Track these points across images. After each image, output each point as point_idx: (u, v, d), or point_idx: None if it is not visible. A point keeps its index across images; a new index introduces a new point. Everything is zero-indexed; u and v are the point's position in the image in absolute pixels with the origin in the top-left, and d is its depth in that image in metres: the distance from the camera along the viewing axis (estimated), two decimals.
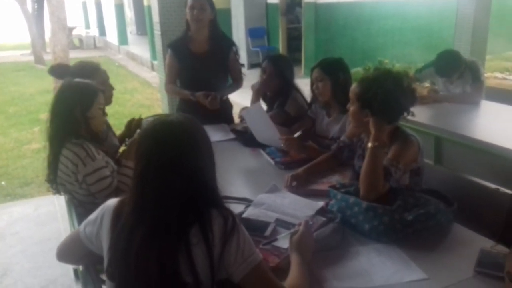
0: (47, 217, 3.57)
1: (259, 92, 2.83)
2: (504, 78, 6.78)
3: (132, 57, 12.74)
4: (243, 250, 1.17)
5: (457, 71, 3.28)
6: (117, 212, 1.22)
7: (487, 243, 1.49)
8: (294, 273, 1.29)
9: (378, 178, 1.67)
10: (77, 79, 1.99)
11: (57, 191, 1.97)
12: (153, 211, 1.14)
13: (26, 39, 13.72)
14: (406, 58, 8.15)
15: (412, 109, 3.02)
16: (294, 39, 9.43)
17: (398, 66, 7.93)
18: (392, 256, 1.46)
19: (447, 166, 2.69)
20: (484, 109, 3.15)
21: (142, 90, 8.92)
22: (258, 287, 1.19)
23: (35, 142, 5.81)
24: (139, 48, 12.96)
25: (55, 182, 1.92)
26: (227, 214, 1.19)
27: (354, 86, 1.83)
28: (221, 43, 2.89)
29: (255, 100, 2.84)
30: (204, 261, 1.14)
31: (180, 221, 1.14)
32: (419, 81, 3.65)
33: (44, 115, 6.99)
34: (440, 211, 1.61)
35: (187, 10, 2.76)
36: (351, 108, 1.86)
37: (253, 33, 9.39)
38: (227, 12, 7.35)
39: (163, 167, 1.15)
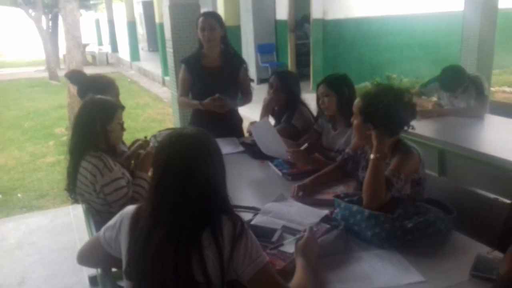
0: (62, 227, 3.68)
1: (269, 107, 2.94)
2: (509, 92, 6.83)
3: (144, 73, 12.99)
4: (251, 253, 1.26)
5: (461, 85, 3.36)
6: (135, 218, 1.32)
7: (484, 249, 1.56)
8: (299, 275, 1.38)
9: (380, 188, 1.76)
10: (99, 96, 2.13)
11: (75, 201, 2.09)
12: (169, 216, 1.24)
13: (41, 55, 14.06)
14: (413, 73, 8.22)
15: (416, 122, 3.12)
16: (302, 55, 9.58)
17: (406, 80, 8.01)
18: (393, 261, 1.54)
19: (450, 177, 2.76)
20: (487, 123, 3.22)
21: (153, 105, 9.10)
22: (264, 287, 1.27)
23: (50, 155, 5.98)
24: (150, 64, 13.22)
25: (74, 192, 2.03)
26: (236, 219, 1.29)
27: (357, 101, 1.93)
28: (232, 59, 3.03)
29: (264, 114, 2.95)
30: (214, 262, 1.23)
31: (193, 225, 1.24)
32: (425, 96, 3.74)
33: (59, 130, 7.24)
34: (439, 219, 1.69)
35: (198, 31, 2.91)
36: (355, 121, 1.96)
37: (262, 49, 9.56)
38: (237, 29, 7.51)
39: (179, 176, 1.25)
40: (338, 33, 8.14)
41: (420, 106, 3.51)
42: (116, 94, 2.47)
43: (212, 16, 2.95)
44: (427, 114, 3.37)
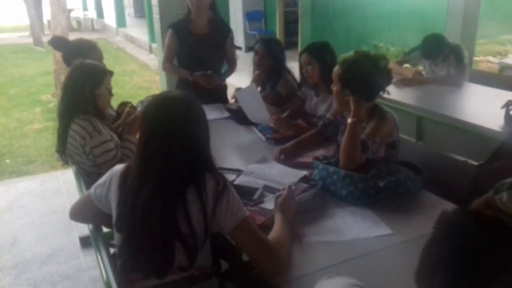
0: (52, 192, 3.76)
1: (258, 81, 3.02)
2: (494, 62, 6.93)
3: (131, 39, 12.80)
4: (232, 207, 1.36)
5: (442, 54, 3.45)
6: (124, 175, 1.41)
7: (451, 207, 1.69)
8: (276, 228, 1.49)
9: (356, 150, 1.86)
10: (88, 61, 2.18)
11: (65, 162, 2.16)
12: (156, 174, 1.33)
13: (25, 21, 13.75)
14: (401, 42, 8.25)
15: (397, 90, 3.22)
16: (291, 22, 9.52)
17: (392, 49, 8.05)
18: (364, 216, 1.66)
19: (427, 142, 2.88)
20: (465, 91, 3.33)
21: (140, 72, 9.05)
22: (244, 238, 1.38)
23: (37, 122, 5.98)
24: (137, 30, 13.01)
25: (64, 153, 2.11)
26: (219, 177, 1.38)
27: (336, 68, 2.01)
28: (220, 27, 3.07)
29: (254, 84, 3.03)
30: (198, 215, 1.33)
31: (179, 182, 1.33)
32: (408, 64, 3.82)
33: (45, 97, 7.20)
34: (410, 179, 1.81)
35: None
36: (334, 88, 2.04)
37: (250, 17, 9.48)
38: None
39: (165, 137, 1.34)
40: (326, 1, 8.10)
41: (401, 74, 3.62)
42: (99, 57, 2.52)
43: None
44: (408, 82, 3.46)
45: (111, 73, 2.21)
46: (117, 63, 9.63)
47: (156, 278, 1.34)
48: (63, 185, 3.85)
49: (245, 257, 1.48)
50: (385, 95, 1.97)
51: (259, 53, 2.89)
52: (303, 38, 8.40)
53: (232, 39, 3.11)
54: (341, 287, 0.89)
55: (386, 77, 1.93)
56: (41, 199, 3.66)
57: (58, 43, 2.58)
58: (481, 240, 0.73)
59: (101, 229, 1.64)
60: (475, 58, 7.88)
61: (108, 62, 2.67)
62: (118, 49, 11.85)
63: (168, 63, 3.12)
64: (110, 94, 2.19)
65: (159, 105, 1.37)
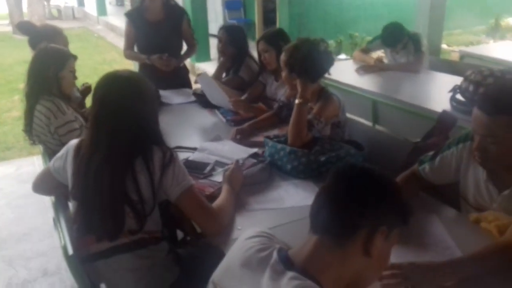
0: (28, 176, 3.85)
1: (222, 67, 3.16)
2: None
3: (111, 28, 12.76)
4: (178, 176, 1.51)
5: (400, 41, 3.62)
6: (78, 147, 1.54)
7: None
8: (221, 197, 1.65)
9: (303, 129, 2.02)
10: (52, 45, 2.29)
11: (33, 142, 2.28)
12: (105, 145, 1.47)
13: (3, 9, 13.58)
14: (377, 31, 8.35)
15: (359, 76, 3.39)
16: (270, 11, 9.60)
17: (368, 39, 8.20)
18: (306, 188, 1.83)
19: (382, 125, 3.07)
20: (422, 77, 3.51)
21: (120, 61, 9.05)
22: (189, 204, 1.53)
23: (15, 110, 6.02)
24: (118, 19, 12.93)
25: (30, 133, 2.23)
26: (166, 149, 1.52)
27: (282, 55, 2.15)
28: (174, 11, 3.19)
29: (218, 72, 3.17)
30: (146, 184, 1.47)
31: (127, 153, 1.47)
32: (371, 51, 3.99)
33: (23, 85, 7.19)
34: (350, 154, 1.97)
35: None
36: (283, 73, 2.19)
37: (229, 6, 9.55)
38: None
39: (113, 111, 1.47)
40: None
41: (364, 61, 3.79)
42: (65, 43, 2.63)
43: None
44: (369, 69, 3.63)
45: (74, 57, 2.32)
46: (97, 51, 9.64)
47: (108, 241, 1.48)
48: (38, 169, 3.86)
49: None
50: (327, 75, 2.12)
51: (222, 40, 3.03)
52: (281, 27, 8.50)
53: (188, 21, 3.24)
54: (251, 233, 1.05)
55: (327, 59, 2.08)
56: (17, 182, 3.77)
57: (25, 27, 2.69)
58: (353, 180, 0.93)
59: (61, 200, 1.77)
60: (448, 48, 8.10)
61: (88, 51, 2.82)
62: (98, 38, 11.82)
63: (128, 50, 3.27)
64: (74, 77, 2.31)
65: (108, 82, 1.50)
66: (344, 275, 0.92)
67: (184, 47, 3.39)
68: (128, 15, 3.24)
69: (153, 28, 3.11)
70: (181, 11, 3.24)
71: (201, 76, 2.70)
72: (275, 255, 0.93)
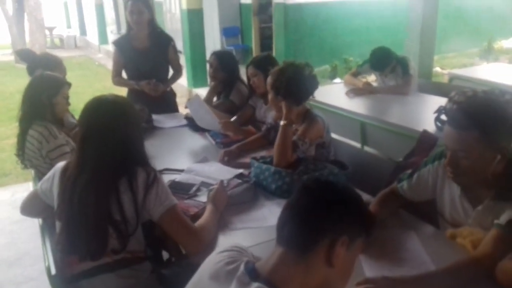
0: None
1: (214, 90, 3.24)
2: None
3: (112, 56, 12.98)
4: (161, 197, 1.55)
5: (388, 65, 3.71)
6: (65, 169, 1.59)
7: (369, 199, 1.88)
8: (204, 216, 1.68)
9: (287, 150, 2.07)
10: (47, 72, 2.38)
11: (25, 166, 2.33)
12: (91, 167, 1.52)
13: (7, 39, 13.87)
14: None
15: (349, 99, 3.46)
16: (267, 38, 9.80)
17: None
18: None
19: (371, 146, 3.12)
20: (410, 99, 3.57)
21: (120, 88, 9.19)
22: (171, 224, 1.56)
23: (13, 137, 5.98)
24: None
25: (23, 157, 2.28)
26: (150, 170, 1.56)
27: (268, 78, 2.22)
28: (160, 39, 3.29)
29: (209, 96, 3.25)
30: (130, 204, 1.51)
31: (112, 174, 1.52)
32: (361, 75, 4.08)
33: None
34: (333, 174, 2.01)
35: (127, 14, 3.17)
36: (269, 96, 2.25)
37: (227, 33, 9.76)
38: (199, 12, 7.69)
39: (99, 133, 1.53)
40: (299, 17, 8.41)
41: (354, 84, 3.87)
42: (62, 71, 2.70)
43: (140, 0, 3.16)
44: (358, 92, 3.70)
45: (69, 84, 2.40)
46: (97, 79, 9.80)
47: (91, 261, 1.51)
48: None
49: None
50: (326, 101, 2.18)
51: (213, 65, 3.12)
52: (278, 53, 8.68)
53: (174, 47, 3.33)
54: (222, 247, 1.08)
55: (311, 82, 2.15)
56: (12, 208, 3.79)
57: (25, 54, 2.78)
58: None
59: (48, 223, 1.80)
60: (442, 71, 8.22)
61: (89, 78, 2.90)
62: (99, 66, 12.03)
63: (117, 77, 3.37)
64: (67, 103, 2.38)
65: (94, 106, 1.56)
66: (309, 286, 0.95)
67: (171, 72, 3.48)
68: (116, 43, 3.36)
69: (140, 55, 3.20)
70: (167, 38, 3.33)
71: (193, 98, 2.76)
72: (242, 267, 0.97)
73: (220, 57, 3.14)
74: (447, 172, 1.47)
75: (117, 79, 3.37)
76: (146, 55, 3.21)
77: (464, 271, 1.29)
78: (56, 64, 2.72)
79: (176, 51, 3.36)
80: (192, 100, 2.79)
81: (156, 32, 3.28)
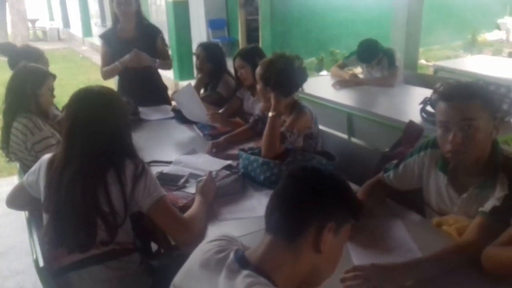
0: (6, 195, 3.83)
1: (201, 82, 3.22)
2: None
3: (97, 49, 12.77)
4: (149, 188, 1.54)
5: (375, 57, 3.73)
6: (51, 162, 1.57)
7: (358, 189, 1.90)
8: (193, 207, 1.68)
9: (275, 141, 2.08)
10: (31, 63, 2.34)
11: (10, 159, 2.30)
12: (78, 158, 1.50)
13: None
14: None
15: (335, 91, 3.47)
16: (253, 30, 9.77)
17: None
18: None
19: (358, 137, 3.14)
20: (396, 91, 3.61)
21: (104, 81, 9.12)
22: (160, 215, 1.56)
23: None
24: None
25: (7, 150, 2.25)
26: (138, 162, 1.56)
27: (257, 69, 2.22)
28: (148, 30, 3.26)
29: (196, 88, 3.24)
30: (118, 196, 1.50)
31: (99, 165, 1.50)
32: (347, 67, 4.10)
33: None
34: (321, 164, 2.02)
35: (114, 5, 3.14)
36: (257, 87, 2.25)
37: (213, 25, 9.71)
38: (184, 5, 7.63)
39: (85, 124, 1.51)
40: (285, 9, 8.40)
41: (340, 76, 3.89)
42: (45, 64, 2.66)
43: None
44: (345, 83, 3.72)
45: (53, 76, 2.37)
46: (82, 71, 9.67)
47: (79, 253, 1.50)
48: None
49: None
50: (300, 90, 2.19)
51: (200, 57, 3.10)
52: (264, 45, 8.66)
53: (162, 38, 3.31)
54: (212, 237, 1.09)
55: (301, 74, 2.15)
56: None
57: (5, 48, 2.72)
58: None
59: (35, 215, 1.78)
60: (427, 63, 8.30)
61: (73, 71, 2.85)
62: (83, 58, 11.86)
63: (105, 68, 3.31)
64: (52, 95, 2.35)
65: (80, 97, 1.54)
66: (298, 272, 0.96)
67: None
68: (103, 36, 3.33)
69: (127, 46, 3.16)
70: (154, 30, 3.31)
71: (185, 87, 2.73)
72: (231, 255, 0.97)
73: (207, 48, 3.12)
74: (448, 153, 1.46)
75: (104, 70, 3.32)
76: (132, 46, 3.17)
77: (450, 258, 1.32)
78: (38, 56, 2.67)
79: (164, 43, 3.33)
80: (183, 89, 2.76)
81: (143, 24, 3.25)
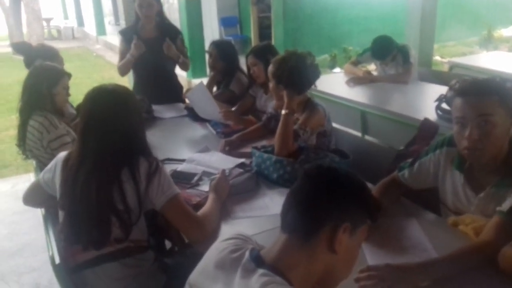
0: (23, 192, 3.89)
1: (213, 80, 3.22)
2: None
3: (110, 47, 12.92)
4: (163, 186, 1.55)
5: (390, 54, 3.69)
6: (66, 159, 1.59)
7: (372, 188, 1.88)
8: (207, 205, 1.69)
9: (289, 138, 2.07)
10: (47, 62, 2.36)
11: (26, 156, 2.33)
12: (92, 156, 1.51)
13: (3, 31, 13.78)
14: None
15: (349, 88, 3.46)
16: (266, 27, 9.75)
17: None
18: None
19: (372, 135, 3.12)
20: (410, 88, 3.57)
21: (118, 79, 8.99)
22: (174, 213, 1.56)
23: (12, 129, 6.06)
24: (117, 38, 13.08)
25: (24, 148, 2.28)
26: (152, 160, 1.56)
27: (270, 67, 2.21)
28: (168, 30, 3.25)
29: (209, 86, 3.24)
30: (132, 194, 1.51)
31: (113, 163, 1.51)
32: (361, 64, 4.07)
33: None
34: (335, 162, 2.01)
35: (136, 6, 3.14)
36: (270, 85, 2.24)
37: (225, 22, 9.71)
38: (197, 3, 7.63)
39: (99, 122, 1.52)
40: (297, 6, 8.36)
41: (354, 73, 3.86)
42: (60, 62, 2.69)
43: None
44: (358, 81, 3.69)
45: (68, 74, 2.39)
46: (96, 70, 9.76)
47: (94, 250, 1.52)
48: None
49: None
50: (326, 90, 2.17)
51: (212, 55, 3.10)
52: (277, 42, 8.63)
53: (182, 39, 3.31)
54: (227, 235, 1.09)
55: (313, 72, 2.14)
56: (13, 199, 3.80)
57: (21, 47, 2.76)
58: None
59: (51, 212, 1.81)
60: (441, 59, 8.19)
61: (87, 69, 2.88)
62: (97, 57, 11.97)
63: (120, 63, 3.32)
64: (67, 94, 2.37)
65: (95, 95, 1.55)
66: (313, 272, 0.95)
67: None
68: (122, 33, 3.32)
69: (147, 46, 3.16)
70: (175, 30, 3.31)
71: (196, 85, 2.73)
72: (247, 254, 0.97)
73: (219, 46, 3.12)
74: (465, 149, 1.44)
75: (119, 65, 3.33)
76: (153, 46, 3.16)
77: (466, 258, 1.30)
78: (53, 55, 2.70)
79: (183, 44, 3.33)
80: (195, 88, 2.77)
81: (164, 23, 3.25)
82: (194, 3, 7.39)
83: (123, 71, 3.36)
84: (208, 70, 3.42)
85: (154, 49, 3.17)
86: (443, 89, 3.31)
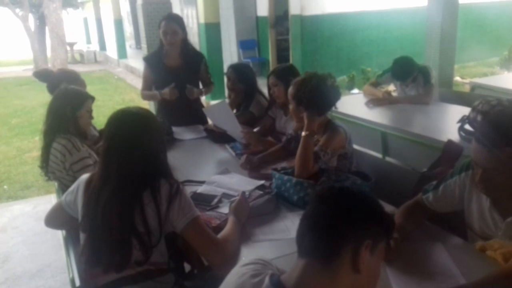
0: (44, 213, 3.84)
1: (234, 103, 3.25)
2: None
3: (131, 70, 13.20)
4: (184, 208, 1.54)
5: (411, 75, 3.66)
6: (89, 181, 1.60)
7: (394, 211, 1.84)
8: (227, 228, 1.67)
9: (309, 160, 2.05)
10: (72, 86, 2.42)
11: (48, 178, 2.36)
12: (115, 179, 1.52)
13: (29, 55, 14.23)
14: (389, 66, 8.52)
15: (368, 109, 3.44)
16: (284, 50, 9.84)
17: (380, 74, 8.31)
18: None
19: (393, 156, 3.07)
20: (431, 109, 3.52)
21: (139, 101, 9.29)
22: (194, 235, 1.56)
23: (35, 150, 6.21)
24: (137, 61, 13.40)
25: (46, 169, 2.31)
26: (173, 182, 1.57)
27: (290, 89, 2.21)
28: (192, 57, 3.29)
29: (230, 106, 3.26)
30: (153, 216, 1.51)
31: (135, 186, 1.52)
32: (380, 85, 4.05)
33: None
34: (356, 185, 1.98)
35: (161, 33, 3.17)
36: (290, 106, 2.24)
37: (244, 45, 9.84)
38: (217, 26, 7.77)
39: (122, 145, 1.54)
40: (315, 28, 8.43)
41: (373, 95, 3.84)
42: (83, 86, 2.74)
43: (174, 20, 3.17)
44: (378, 102, 3.67)
45: (92, 98, 2.43)
46: (117, 92, 9.95)
47: (115, 272, 1.51)
48: None
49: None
50: (346, 111, 2.16)
51: (231, 78, 3.13)
52: (295, 64, 8.69)
53: (205, 64, 3.34)
54: (247, 260, 1.07)
55: (333, 93, 2.13)
56: (34, 220, 3.85)
57: (42, 74, 2.83)
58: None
59: (72, 234, 1.82)
60: (462, 80, 8.11)
61: (109, 92, 2.93)
62: (118, 80, 12.21)
63: (145, 91, 3.38)
64: (91, 116, 2.41)
65: (118, 118, 1.57)
66: None
67: None
68: (147, 59, 3.36)
69: (171, 73, 3.19)
70: (199, 56, 3.34)
71: (217, 104, 2.74)
72: (267, 280, 0.95)
73: (237, 69, 3.16)
74: (479, 187, 1.43)
75: (144, 93, 3.39)
76: (177, 74, 3.19)
77: (496, 284, 1.25)
78: (74, 78, 2.76)
79: (207, 69, 3.36)
80: (216, 105, 2.77)
81: (188, 49, 3.26)
82: (213, 27, 7.51)
83: (145, 99, 3.48)
84: (226, 92, 3.45)
85: (179, 76, 3.19)
86: (465, 110, 3.26)
